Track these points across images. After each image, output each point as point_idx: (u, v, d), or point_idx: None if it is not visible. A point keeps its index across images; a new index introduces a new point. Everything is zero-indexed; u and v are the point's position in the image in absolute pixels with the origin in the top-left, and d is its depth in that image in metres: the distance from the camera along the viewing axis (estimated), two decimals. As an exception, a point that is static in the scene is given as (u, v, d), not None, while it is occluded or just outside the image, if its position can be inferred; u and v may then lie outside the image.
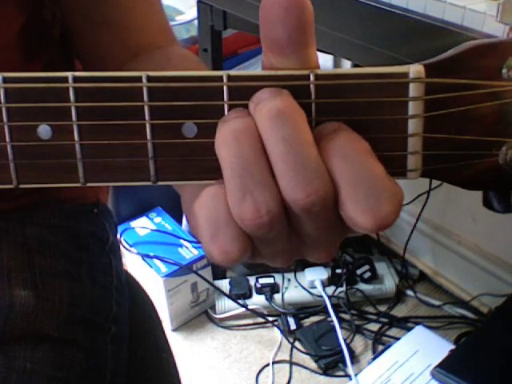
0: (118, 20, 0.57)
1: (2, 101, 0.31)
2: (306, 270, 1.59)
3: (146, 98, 0.30)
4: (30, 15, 0.56)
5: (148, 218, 1.66)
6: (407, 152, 0.31)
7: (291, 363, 1.46)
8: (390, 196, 0.29)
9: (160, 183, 0.32)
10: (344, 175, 0.29)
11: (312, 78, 0.30)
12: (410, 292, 1.62)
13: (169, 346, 0.71)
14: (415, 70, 0.30)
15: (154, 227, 1.62)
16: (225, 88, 0.30)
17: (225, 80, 0.30)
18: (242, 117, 0.30)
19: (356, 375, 1.31)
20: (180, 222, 1.67)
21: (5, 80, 0.30)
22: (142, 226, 1.62)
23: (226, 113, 0.30)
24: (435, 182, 1.48)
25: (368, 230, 0.29)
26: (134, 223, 1.64)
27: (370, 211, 0.29)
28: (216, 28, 1.29)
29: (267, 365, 1.46)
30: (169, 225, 1.63)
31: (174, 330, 1.55)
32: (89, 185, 0.32)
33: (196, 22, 1.39)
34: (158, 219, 1.66)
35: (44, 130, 0.31)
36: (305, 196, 0.29)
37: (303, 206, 0.29)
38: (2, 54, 0.55)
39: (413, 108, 0.30)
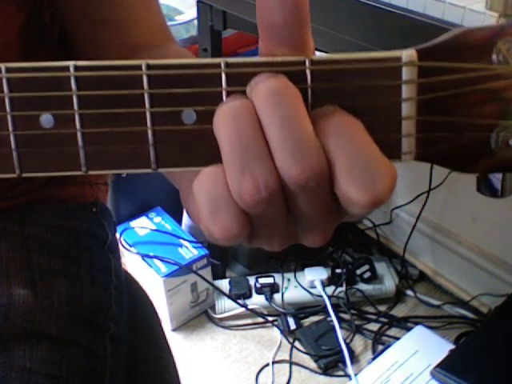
0: (115, 18, 0.57)
1: (5, 90, 0.31)
2: (306, 270, 1.59)
3: (145, 85, 0.31)
4: (30, 15, 0.56)
5: (148, 217, 1.66)
6: (401, 135, 0.32)
7: (291, 363, 1.46)
8: (385, 172, 0.29)
9: (160, 170, 0.32)
10: (339, 151, 0.30)
11: (307, 63, 0.31)
12: (409, 292, 1.62)
13: (168, 345, 0.71)
14: (408, 54, 0.31)
15: (154, 227, 1.62)
16: (223, 75, 0.31)
17: (223, 67, 0.31)
18: (239, 99, 0.30)
19: (356, 375, 1.31)
20: (180, 222, 1.67)
21: (8, 70, 0.31)
22: (142, 225, 1.63)
23: (224, 99, 0.31)
24: (435, 182, 1.48)
25: (362, 207, 0.30)
26: (134, 223, 1.64)
27: (364, 187, 0.29)
28: (216, 28, 1.30)
29: (267, 365, 1.46)
30: (169, 225, 1.63)
31: (173, 330, 1.55)
32: (90, 173, 0.32)
33: (196, 21, 1.39)
34: (157, 219, 1.66)
35: (46, 119, 0.31)
36: (300, 172, 0.29)
37: (299, 182, 0.29)
38: (1, 53, 0.55)
39: (406, 91, 0.31)
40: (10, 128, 0.31)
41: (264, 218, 0.31)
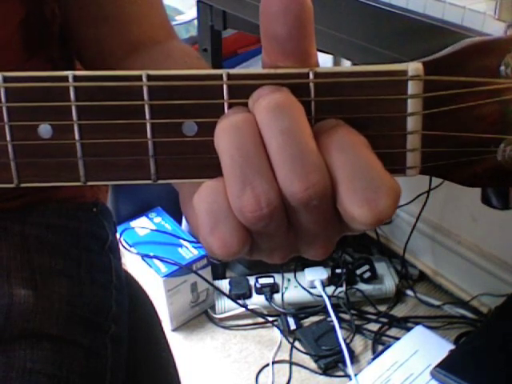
0: (117, 14, 0.57)
1: (3, 100, 0.31)
2: (306, 270, 1.59)
3: (146, 96, 0.30)
4: (30, 10, 0.56)
5: (148, 218, 1.66)
6: (406, 149, 0.31)
7: (291, 363, 1.46)
8: (388, 189, 0.29)
9: (160, 181, 0.32)
10: (342, 168, 0.29)
11: (311, 75, 0.30)
12: (409, 292, 1.62)
13: (168, 345, 0.71)
14: (414, 67, 0.30)
15: (154, 227, 1.62)
16: (225, 86, 0.30)
17: (224, 78, 0.30)
18: (241, 112, 0.30)
19: (356, 375, 1.31)
20: (180, 222, 1.67)
21: (5, 79, 0.30)
22: (142, 226, 1.63)
23: (225, 111, 0.31)
24: (435, 182, 1.48)
25: (365, 224, 0.29)
26: (134, 223, 1.64)
27: (367, 204, 0.29)
28: (216, 28, 1.30)
29: (267, 365, 1.46)
30: (169, 225, 1.63)
31: (173, 330, 1.55)
32: (89, 183, 0.32)
33: (196, 21, 1.39)
34: (157, 219, 1.66)
35: (45, 129, 0.31)
36: (303, 189, 0.29)
37: (301, 199, 0.29)
38: (2, 50, 0.55)
39: (412, 105, 0.30)
40: (8, 138, 0.31)
41: (265, 232, 0.31)
